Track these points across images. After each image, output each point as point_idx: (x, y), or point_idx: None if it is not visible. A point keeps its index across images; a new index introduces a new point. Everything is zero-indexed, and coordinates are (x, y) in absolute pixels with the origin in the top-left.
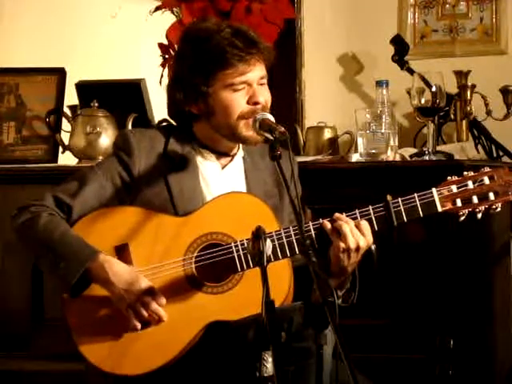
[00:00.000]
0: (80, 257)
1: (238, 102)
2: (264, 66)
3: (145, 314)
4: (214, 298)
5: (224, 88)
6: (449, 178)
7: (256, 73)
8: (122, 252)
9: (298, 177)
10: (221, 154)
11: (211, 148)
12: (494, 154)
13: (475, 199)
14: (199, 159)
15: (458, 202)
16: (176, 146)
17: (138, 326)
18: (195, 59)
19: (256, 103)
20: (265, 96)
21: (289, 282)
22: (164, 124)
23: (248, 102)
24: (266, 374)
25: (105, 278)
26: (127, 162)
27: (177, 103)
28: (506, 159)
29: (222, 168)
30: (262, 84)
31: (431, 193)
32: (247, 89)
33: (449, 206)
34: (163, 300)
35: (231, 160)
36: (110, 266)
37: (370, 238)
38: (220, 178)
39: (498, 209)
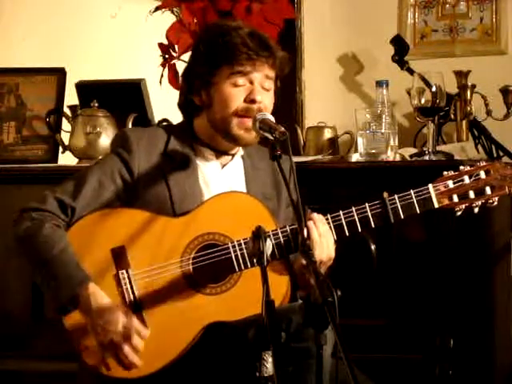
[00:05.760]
0: (71, 282)
1: (235, 96)
2: (273, 72)
3: (113, 355)
4: (212, 298)
5: (226, 81)
6: (445, 172)
7: (261, 74)
8: (118, 255)
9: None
10: (221, 152)
11: (211, 146)
12: (494, 154)
13: (472, 194)
14: (199, 158)
15: (455, 198)
16: (176, 145)
17: (108, 363)
18: (207, 49)
19: (252, 101)
20: (264, 98)
21: (287, 282)
22: (164, 124)
23: (245, 100)
24: (266, 374)
25: (87, 308)
26: (127, 160)
27: (183, 92)
28: (506, 159)
29: (222, 167)
30: (265, 88)
31: (428, 189)
32: (248, 86)
33: (445, 201)
34: (139, 344)
35: (231, 159)
36: (95, 298)
37: (332, 251)
38: (219, 177)
39: (495, 203)
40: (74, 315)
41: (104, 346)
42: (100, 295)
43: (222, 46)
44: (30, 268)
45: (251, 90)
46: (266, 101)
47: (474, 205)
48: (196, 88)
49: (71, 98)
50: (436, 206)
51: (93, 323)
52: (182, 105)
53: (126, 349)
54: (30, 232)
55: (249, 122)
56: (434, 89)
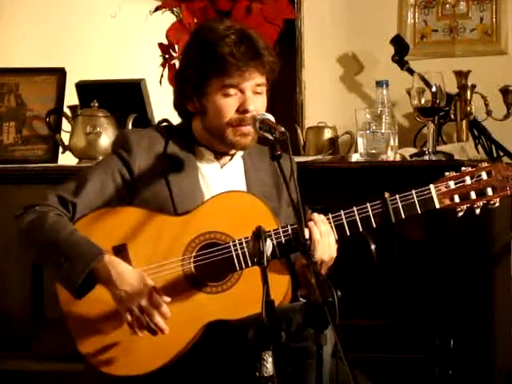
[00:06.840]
0: (85, 257)
1: (228, 108)
2: (263, 77)
3: (143, 321)
4: (213, 297)
5: (217, 91)
6: (446, 173)
7: (252, 82)
8: (120, 252)
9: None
10: (220, 153)
11: (210, 147)
12: (494, 154)
13: (473, 195)
14: (199, 159)
15: (456, 198)
16: (176, 146)
17: (137, 332)
18: (196, 59)
19: (245, 111)
20: (256, 105)
21: (287, 282)
22: (164, 124)
23: (238, 109)
24: (266, 374)
25: (107, 278)
26: (127, 160)
27: (177, 96)
28: (506, 159)
29: (222, 167)
30: (257, 92)
31: (429, 189)
32: (239, 95)
33: (447, 202)
34: (167, 311)
35: (231, 159)
36: (114, 267)
37: (333, 251)
38: (219, 177)
39: (497, 204)
40: (75, 308)
41: (132, 312)
42: (118, 263)
43: (210, 58)
44: (38, 258)
45: (243, 100)
46: (258, 106)
47: (476, 205)
48: (188, 95)
49: (71, 97)
50: (437, 206)
51: (117, 292)
52: (177, 107)
53: (155, 312)
54: (35, 222)
55: (244, 129)
56: (434, 89)
